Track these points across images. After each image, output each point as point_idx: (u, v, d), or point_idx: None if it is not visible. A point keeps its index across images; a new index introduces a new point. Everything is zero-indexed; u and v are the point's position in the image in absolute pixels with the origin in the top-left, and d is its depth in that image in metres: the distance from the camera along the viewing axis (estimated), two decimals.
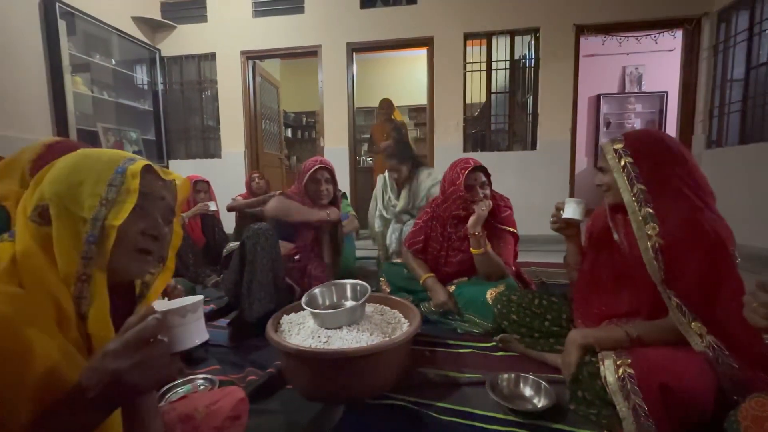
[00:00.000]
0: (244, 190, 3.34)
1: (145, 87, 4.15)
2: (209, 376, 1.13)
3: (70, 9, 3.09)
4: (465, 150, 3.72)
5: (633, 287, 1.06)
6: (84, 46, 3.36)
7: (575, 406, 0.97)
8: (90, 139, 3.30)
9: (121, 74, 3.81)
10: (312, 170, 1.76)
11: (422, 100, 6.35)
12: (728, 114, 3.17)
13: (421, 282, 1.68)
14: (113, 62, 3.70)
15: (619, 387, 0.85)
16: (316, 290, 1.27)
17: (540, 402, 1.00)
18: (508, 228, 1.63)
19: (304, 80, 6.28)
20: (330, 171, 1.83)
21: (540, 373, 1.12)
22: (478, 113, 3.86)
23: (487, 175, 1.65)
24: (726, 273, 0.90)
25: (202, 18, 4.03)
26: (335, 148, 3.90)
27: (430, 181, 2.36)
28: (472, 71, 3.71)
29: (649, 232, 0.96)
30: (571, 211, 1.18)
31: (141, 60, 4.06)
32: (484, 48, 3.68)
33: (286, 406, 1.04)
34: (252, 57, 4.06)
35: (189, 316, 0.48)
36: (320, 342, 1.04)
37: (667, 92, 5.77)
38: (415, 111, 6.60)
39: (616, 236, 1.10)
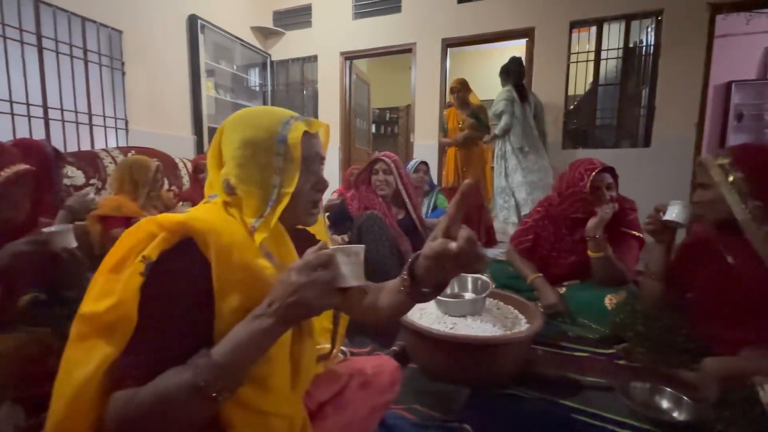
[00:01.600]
0: (338, 185, 3.59)
1: (257, 88, 4.68)
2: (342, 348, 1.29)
3: (206, 23, 3.62)
4: (564, 147, 3.51)
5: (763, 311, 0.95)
6: (213, 54, 3.91)
7: (722, 424, 0.91)
8: None
9: (238, 78, 4.35)
10: (371, 161, 1.92)
11: None
12: None
13: (528, 281, 1.67)
14: (234, 68, 4.24)
15: None
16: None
17: (680, 415, 0.96)
18: (633, 232, 1.53)
19: (390, 77, 6.44)
20: (388, 164, 1.88)
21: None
22: (574, 106, 3.59)
23: (614, 177, 1.57)
24: None
25: (308, 23, 4.39)
26: (426, 144, 3.97)
27: None
28: (577, 62, 3.46)
29: None
30: (675, 213, 1.12)
31: (255, 64, 4.58)
32: (594, 34, 3.41)
33: (412, 383, 1.14)
34: (350, 57, 4.31)
35: (353, 257, 0.52)
36: (447, 328, 1.12)
37: None
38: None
39: (730, 259, 1.01)
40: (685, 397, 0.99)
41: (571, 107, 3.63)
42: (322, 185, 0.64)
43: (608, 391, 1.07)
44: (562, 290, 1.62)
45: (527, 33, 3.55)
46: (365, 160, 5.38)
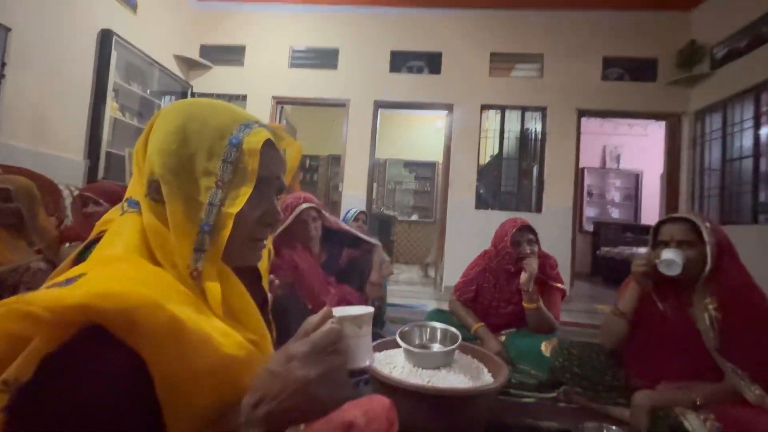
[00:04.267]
0: None
1: None
2: None
3: (122, 40, 3.26)
4: (477, 207, 3.98)
5: (689, 353, 1.21)
6: (125, 74, 3.49)
7: None
8: (117, 161, 3.32)
9: (149, 103, 3.93)
10: (299, 210, 1.60)
11: (427, 156, 6.81)
12: (708, 197, 3.63)
13: (472, 331, 1.76)
14: (148, 92, 3.83)
15: None
16: (407, 328, 1.34)
17: None
18: (557, 284, 1.78)
19: (314, 125, 6.57)
20: (317, 209, 1.67)
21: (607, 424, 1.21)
22: (484, 174, 4.18)
23: (534, 234, 1.83)
24: None
25: (239, 62, 4.31)
26: (354, 194, 4.07)
27: None
28: (486, 137, 4.10)
29: (708, 305, 1.14)
30: (676, 256, 1.16)
31: (172, 92, 4.21)
32: (499, 117, 4.11)
33: None
34: (282, 102, 4.31)
35: (364, 328, 0.43)
36: (424, 381, 1.10)
37: (642, 171, 6.46)
38: (416, 165, 6.98)
39: (660, 306, 1.26)
40: None
41: (487, 174, 4.21)
42: (273, 218, 0.49)
43: None
44: (502, 338, 1.76)
45: (448, 107, 4.10)
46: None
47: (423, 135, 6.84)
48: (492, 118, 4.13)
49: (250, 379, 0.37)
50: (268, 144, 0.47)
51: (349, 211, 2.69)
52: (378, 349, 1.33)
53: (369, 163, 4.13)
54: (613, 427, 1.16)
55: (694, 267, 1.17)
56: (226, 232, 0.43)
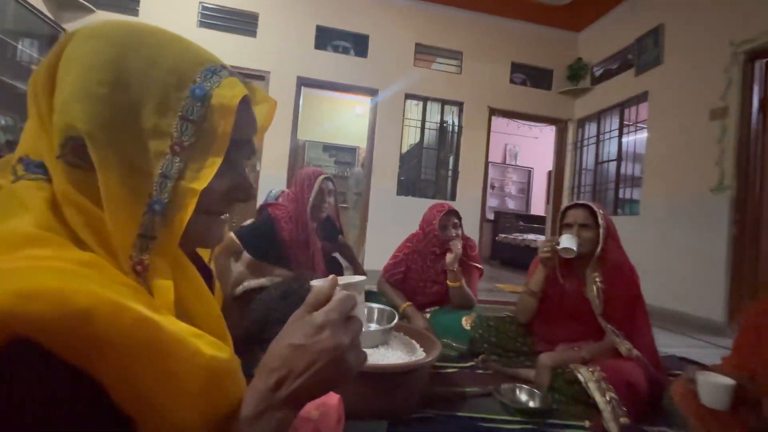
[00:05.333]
0: None
1: (33, 66, 3.40)
2: None
3: None
4: (398, 193, 4.11)
5: (580, 320, 1.45)
6: None
7: (559, 405, 1.26)
8: None
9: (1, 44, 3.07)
10: (320, 180, 1.74)
11: (346, 140, 6.72)
12: (584, 192, 4.36)
13: (400, 310, 1.83)
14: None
15: (596, 387, 1.17)
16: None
17: (536, 404, 1.25)
18: (476, 265, 1.95)
19: None
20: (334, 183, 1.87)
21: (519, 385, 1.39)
22: (404, 160, 4.35)
23: (459, 218, 1.97)
24: (642, 308, 1.36)
25: (133, 11, 3.63)
26: (274, 174, 3.82)
27: None
28: (409, 126, 4.22)
29: (596, 278, 1.38)
30: (571, 243, 1.36)
31: (35, 34, 3.35)
32: (421, 107, 4.27)
33: None
34: None
35: (362, 295, 0.42)
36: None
37: (533, 168, 7.44)
38: (337, 149, 6.87)
39: (562, 281, 1.49)
40: (536, 390, 1.30)
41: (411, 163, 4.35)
42: (244, 193, 0.40)
43: (486, 396, 1.29)
44: (428, 315, 1.86)
45: (373, 92, 4.10)
46: None
47: (344, 119, 6.73)
48: (414, 108, 4.27)
49: (233, 382, 0.32)
50: (242, 102, 0.37)
51: (271, 191, 2.53)
52: None
53: (290, 143, 3.92)
54: (525, 386, 1.33)
55: (590, 246, 1.39)
56: (186, 213, 0.33)
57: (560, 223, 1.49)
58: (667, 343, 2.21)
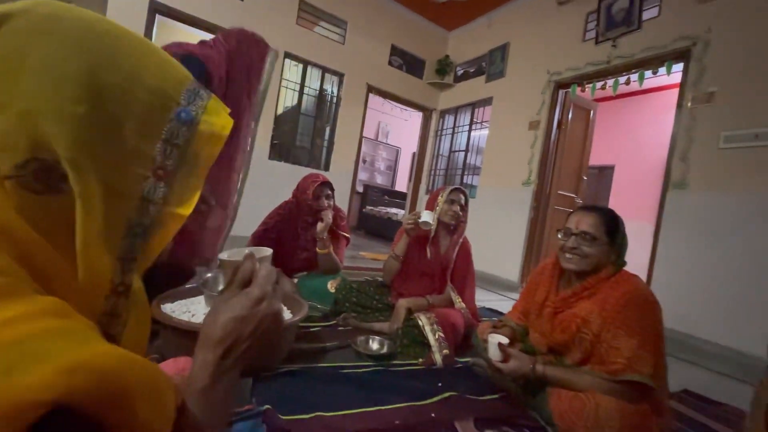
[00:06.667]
0: None
1: None
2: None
3: None
4: (270, 158, 3.92)
5: (431, 278, 1.79)
6: None
7: (402, 349, 1.54)
8: None
9: None
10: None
11: None
12: (438, 176, 5.05)
13: None
14: None
15: (430, 329, 1.49)
16: (210, 275, 1.26)
17: (384, 350, 1.50)
18: (344, 234, 2.10)
19: None
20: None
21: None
22: (279, 122, 4.17)
23: (332, 190, 2.07)
24: (472, 273, 1.76)
25: None
26: None
27: None
28: (287, 88, 4.02)
29: (448, 247, 1.72)
30: (429, 218, 1.65)
31: None
32: (301, 70, 4.10)
33: None
34: None
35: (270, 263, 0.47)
36: None
37: (401, 148, 8.11)
38: None
39: (429, 251, 1.79)
40: (385, 339, 1.56)
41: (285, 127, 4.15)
42: (205, 204, 0.49)
43: (345, 348, 1.48)
44: (295, 281, 1.94)
45: None
46: None
47: None
48: (294, 70, 4.08)
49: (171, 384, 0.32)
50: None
51: None
52: (174, 298, 1.22)
53: None
54: (377, 337, 1.57)
55: (456, 220, 1.73)
56: (168, 237, 0.34)
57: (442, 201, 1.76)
58: (481, 298, 2.88)
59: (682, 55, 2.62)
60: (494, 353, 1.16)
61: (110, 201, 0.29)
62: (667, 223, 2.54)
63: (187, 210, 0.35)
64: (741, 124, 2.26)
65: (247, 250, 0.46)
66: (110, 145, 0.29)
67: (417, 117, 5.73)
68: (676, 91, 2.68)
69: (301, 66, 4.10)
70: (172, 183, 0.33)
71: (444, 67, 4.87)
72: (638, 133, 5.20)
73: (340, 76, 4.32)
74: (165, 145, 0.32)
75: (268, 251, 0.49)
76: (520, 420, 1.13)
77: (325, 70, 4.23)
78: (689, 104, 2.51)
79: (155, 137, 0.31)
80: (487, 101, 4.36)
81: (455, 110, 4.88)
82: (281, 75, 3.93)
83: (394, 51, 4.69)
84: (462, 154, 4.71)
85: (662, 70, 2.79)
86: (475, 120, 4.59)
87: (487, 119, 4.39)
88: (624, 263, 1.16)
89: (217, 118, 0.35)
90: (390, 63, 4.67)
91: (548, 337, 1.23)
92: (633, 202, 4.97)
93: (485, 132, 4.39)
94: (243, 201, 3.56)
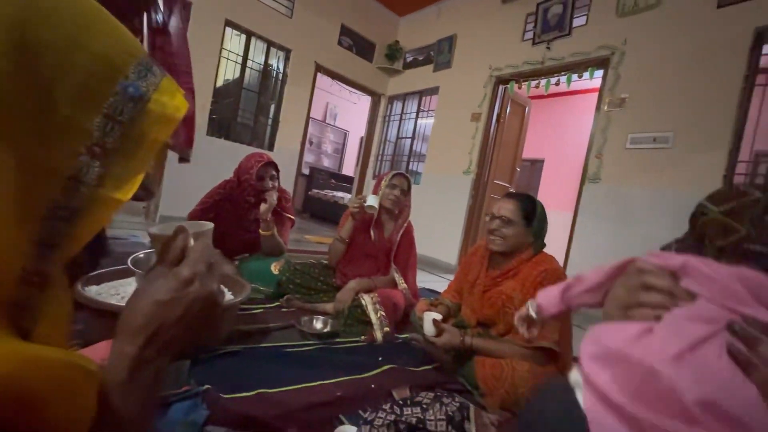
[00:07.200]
0: None
1: None
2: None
3: None
4: (208, 134, 3.67)
5: (375, 260, 1.85)
6: None
7: (345, 328, 1.59)
8: None
9: None
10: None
11: None
12: (385, 161, 5.12)
13: None
14: None
15: (373, 308, 1.56)
16: (142, 255, 1.19)
17: (327, 329, 1.55)
18: (288, 215, 2.07)
19: None
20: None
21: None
22: (219, 96, 3.91)
23: (277, 170, 2.02)
24: (414, 255, 1.86)
25: None
26: None
27: None
28: (228, 59, 3.75)
29: (392, 231, 1.79)
30: (374, 202, 1.70)
31: None
32: (244, 41, 3.84)
33: None
34: None
35: (210, 240, 0.46)
36: None
37: (349, 131, 8.03)
38: None
39: (373, 234, 1.85)
40: (328, 318, 1.60)
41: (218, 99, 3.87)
42: (148, 195, 0.42)
43: (289, 328, 1.49)
44: (236, 263, 1.89)
45: (184, 2, 3.37)
46: None
47: None
48: (236, 40, 3.81)
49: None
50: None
51: None
52: (100, 280, 1.14)
53: None
54: (320, 317, 1.61)
55: (397, 206, 1.78)
56: (100, 224, 0.30)
57: (378, 186, 1.81)
58: (422, 279, 3.03)
59: (602, 63, 2.93)
60: (429, 329, 1.26)
61: (27, 175, 0.25)
62: (582, 212, 2.89)
63: (125, 195, 0.31)
64: (644, 128, 2.62)
65: (186, 225, 0.42)
66: (36, 110, 0.25)
67: (365, 101, 5.71)
68: (596, 95, 3.01)
69: (243, 36, 3.84)
70: (110, 163, 0.29)
71: (394, 52, 4.89)
72: (564, 131, 5.72)
73: (287, 51, 4.14)
74: (106, 121, 0.28)
75: (208, 225, 0.46)
76: (450, 385, 1.25)
77: (270, 43, 4.01)
78: (605, 107, 2.84)
79: (94, 110, 0.28)
80: (434, 90, 4.48)
81: (403, 97, 4.95)
82: (221, 44, 3.65)
83: (344, 31, 4.59)
84: (409, 141, 4.82)
85: (586, 74, 3.11)
86: (422, 108, 4.70)
87: (433, 108, 4.53)
88: (543, 245, 1.31)
89: (171, 99, 0.32)
90: (340, 43, 4.56)
91: (478, 312, 1.36)
92: (558, 193, 5.50)
93: (431, 121, 4.52)
94: (178, 179, 3.34)
